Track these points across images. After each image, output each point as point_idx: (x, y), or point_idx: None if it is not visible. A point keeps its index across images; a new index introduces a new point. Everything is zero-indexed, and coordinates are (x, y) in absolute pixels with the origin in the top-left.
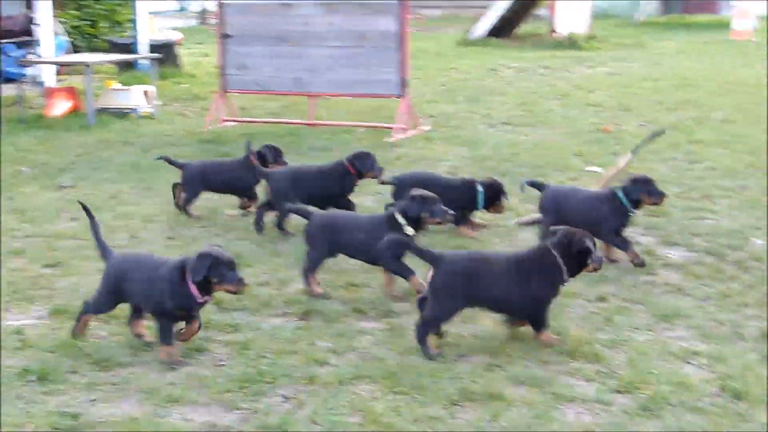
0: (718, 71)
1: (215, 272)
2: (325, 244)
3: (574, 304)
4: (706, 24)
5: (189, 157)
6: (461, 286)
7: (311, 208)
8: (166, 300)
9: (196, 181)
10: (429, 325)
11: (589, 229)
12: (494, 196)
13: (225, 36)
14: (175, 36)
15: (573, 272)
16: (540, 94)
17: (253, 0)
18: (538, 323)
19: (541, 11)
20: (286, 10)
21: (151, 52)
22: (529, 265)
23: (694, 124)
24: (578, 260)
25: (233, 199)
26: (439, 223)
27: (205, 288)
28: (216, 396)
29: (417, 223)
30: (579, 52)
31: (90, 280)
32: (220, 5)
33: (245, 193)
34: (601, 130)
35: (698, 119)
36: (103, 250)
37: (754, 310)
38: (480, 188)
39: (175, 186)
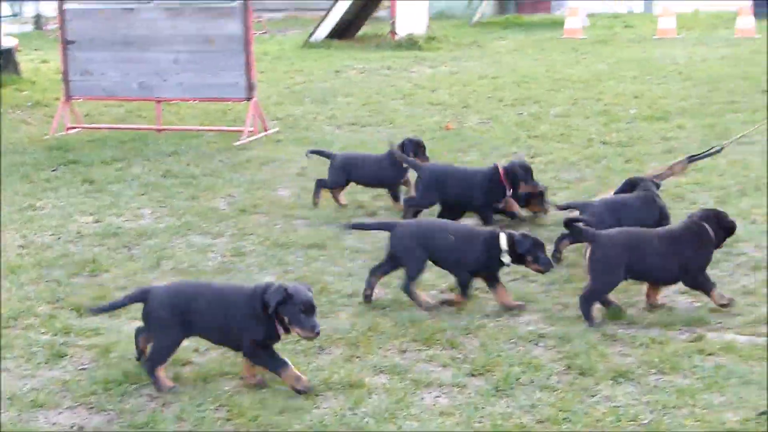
0: (552, 68)
1: (285, 310)
2: (420, 252)
3: (427, 294)
4: (540, 23)
5: (35, 165)
6: (621, 260)
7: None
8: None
9: (342, 171)
10: (592, 298)
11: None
12: None
13: (68, 42)
14: (11, 42)
15: (719, 244)
16: (384, 94)
17: (96, 4)
18: (705, 287)
19: (381, 13)
20: (130, 14)
21: None
22: (687, 238)
23: (532, 119)
24: (725, 234)
25: (90, 206)
26: (538, 271)
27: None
28: (81, 399)
29: (518, 259)
30: (420, 52)
31: None
32: (62, 10)
33: (391, 187)
34: (444, 128)
35: (536, 114)
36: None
37: None
38: None
39: (319, 181)
